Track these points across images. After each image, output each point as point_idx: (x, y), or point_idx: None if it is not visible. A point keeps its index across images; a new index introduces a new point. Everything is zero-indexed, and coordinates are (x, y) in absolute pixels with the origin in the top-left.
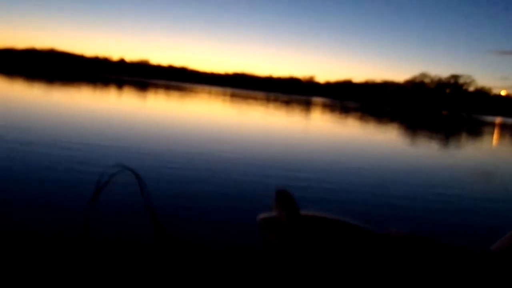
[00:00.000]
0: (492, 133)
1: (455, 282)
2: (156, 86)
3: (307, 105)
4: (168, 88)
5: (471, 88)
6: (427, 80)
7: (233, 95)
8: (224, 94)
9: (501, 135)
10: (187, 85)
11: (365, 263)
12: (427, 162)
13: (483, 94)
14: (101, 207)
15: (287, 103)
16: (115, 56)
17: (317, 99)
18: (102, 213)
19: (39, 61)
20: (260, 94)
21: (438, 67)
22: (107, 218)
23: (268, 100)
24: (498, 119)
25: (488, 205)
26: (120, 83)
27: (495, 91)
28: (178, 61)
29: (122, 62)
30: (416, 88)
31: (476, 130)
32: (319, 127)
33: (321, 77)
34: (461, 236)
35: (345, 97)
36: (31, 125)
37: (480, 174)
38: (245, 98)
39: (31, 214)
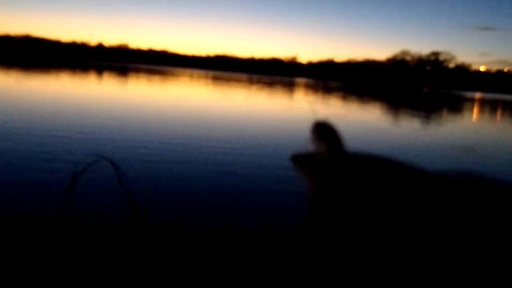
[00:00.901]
0: (472, 109)
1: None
2: (137, 71)
3: (290, 86)
4: (148, 72)
5: (451, 65)
6: (408, 58)
7: (215, 78)
8: (206, 77)
9: (481, 110)
10: (168, 68)
11: (420, 207)
12: (409, 140)
13: (463, 70)
14: (78, 197)
15: (270, 84)
16: (93, 40)
17: (300, 80)
18: (80, 203)
19: (14, 48)
20: (243, 76)
21: (419, 44)
22: (85, 208)
23: (251, 82)
24: (478, 95)
25: None
26: (99, 69)
27: (474, 67)
28: (158, 44)
29: (100, 46)
30: (397, 66)
31: (456, 106)
32: (302, 108)
33: (304, 58)
34: None
35: (327, 77)
36: (5, 114)
37: (462, 149)
38: (228, 80)
39: (3, 203)
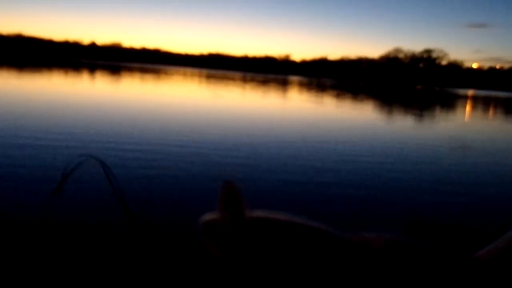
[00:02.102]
0: (465, 106)
1: None
2: (129, 70)
3: (284, 84)
4: (141, 71)
5: (444, 62)
6: (401, 55)
7: (208, 76)
8: (200, 76)
9: (474, 107)
10: (161, 67)
11: (333, 277)
12: (402, 137)
13: (455, 68)
14: (68, 197)
15: (264, 82)
16: (85, 39)
17: (294, 78)
18: (69, 203)
19: (5, 47)
20: (236, 74)
21: (412, 42)
22: (74, 209)
23: (244, 80)
24: (470, 92)
25: (462, 176)
26: (91, 68)
27: (467, 64)
28: (151, 43)
29: (93, 45)
30: (390, 64)
31: (449, 103)
32: (296, 107)
33: (297, 56)
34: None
35: (321, 75)
36: None
37: (454, 145)
38: (221, 79)
39: None
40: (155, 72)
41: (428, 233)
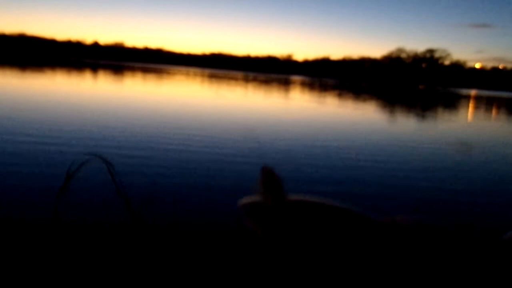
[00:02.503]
0: (468, 106)
1: (467, 272)
2: (132, 69)
3: (286, 84)
4: (144, 70)
5: (447, 62)
6: (403, 55)
7: (211, 76)
8: (202, 75)
9: (476, 107)
10: (163, 66)
11: (369, 256)
12: (405, 137)
13: (458, 68)
14: (73, 196)
15: (266, 82)
16: (88, 39)
17: (296, 77)
18: (74, 202)
19: (9, 47)
20: (239, 74)
21: (414, 42)
22: (80, 208)
23: (247, 80)
24: (473, 92)
25: (466, 175)
26: (94, 67)
27: (470, 64)
28: (154, 42)
29: (96, 45)
30: (393, 63)
31: (452, 103)
32: (299, 107)
33: (299, 55)
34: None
35: (323, 75)
36: None
37: (460, 147)
38: (223, 78)
39: None
40: (158, 71)
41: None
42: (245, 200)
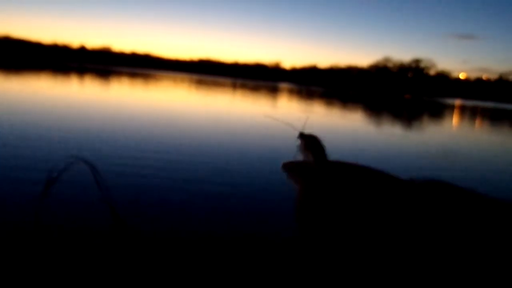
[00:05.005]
0: (452, 116)
1: (485, 233)
2: (119, 74)
3: (274, 91)
4: (131, 75)
5: (432, 72)
6: (390, 65)
7: (198, 82)
8: (190, 81)
9: (461, 117)
10: (151, 72)
11: (392, 209)
12: (390, 146)
13: (443, 78)
14: (54, 201)
15: (254, 89)
16: (75, 43)
17: (284, 85)
18: (56, 207)
19: None
20: (227, 80)
21: (401, 51)
22: (62, 213)
23: (234, 86)
24: (457, 102)
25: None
26: (80, 71)
27: (454, 74)
28: (141, 47)
29: (82, 49)
30: (379, 73)
31: (437, 112)
32: (286, 114)
33: (287, 63)
34: None
35: (310, 82)
36: None
37: (440, 155)
38: (211, 84)
39: None
40: (145, 76)
41: None
42: (288, 161)
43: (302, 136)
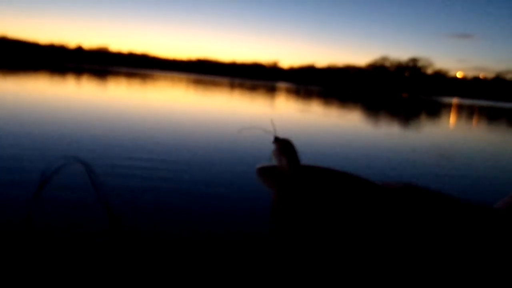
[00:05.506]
0: (450, 114)
1: (456, 236)
2: (116, 74)
3: (272, 91)
4: (128, 75)
5: (429, 71)
6: (387, 64)
7: (196, 81)
8: (187, 81)
9: (458, 115)
10: (148, 72)
11: (365, 215)
12: (387, 144)
13: (440, 77)
14: (49, 200)
15: (252, 88)
16: (72, 43)
17: (281, 84)
18: (51, 207)
19: None
20: (224, 80)
21: (398, 50)
22: (56, 213)
23: (232, 86)
24: (455, 100)
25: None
26: (77, 71)
27: (452, 73)
28: (139, 47)
29: (79, 49)
30: (377, 72)
31: (434, 111)
32: (284, 114)
33: (285, 63)
34: None
35: (308, 82)
36: None
37: (437, 154)
38: (209, 84)
39: None
40: (142, 76)
41: None
42: (261, 165)
43: (277, 140)
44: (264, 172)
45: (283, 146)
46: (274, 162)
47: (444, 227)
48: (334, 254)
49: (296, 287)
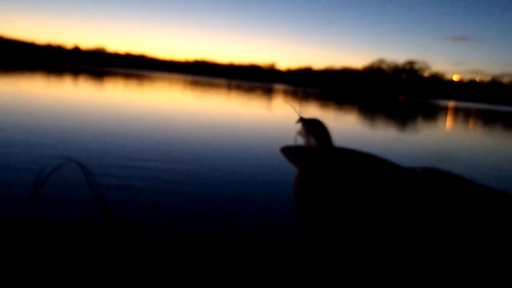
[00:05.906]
0: (446, 117)
1: (488, 224)
2: (113, 74)
3: (269, 92)
4: (125, 76)
5: (426, 74)
6: (384, 66)
7: (193, 83)
8: (185, 82)
9: (455, 118)
10: (146, 72)
11: (392, 197)
12: (384, 146)
13: (437, 80)
14: (44, 203)
15: (249, 90)
16: (69, 43)
17: (279, 86)
18: (46, 210)
19: None
20: (222, 81)
21: (395, 53)
22: (51, 216)
23: (229, 87)
24: (451, 103)
25: None
26: (74, 72)
27: (448, 76)
28: (136, 48)
29: (76, 49)
30: (374, 74)
31: (431, 114)
32: (282, 115)
33: (282, 64)
34: None
35: (305, 84)
36: None
37: (434, 156)
38: (206, 85)
39: None
40: (139, 77)
41: None
42: (287, 145)
43: (302, 120)
44: (290, 152)
45: (312, 125)
46: (299, 143)
47: (474, 215)
48: (363, 242)
49: (322, 277)
